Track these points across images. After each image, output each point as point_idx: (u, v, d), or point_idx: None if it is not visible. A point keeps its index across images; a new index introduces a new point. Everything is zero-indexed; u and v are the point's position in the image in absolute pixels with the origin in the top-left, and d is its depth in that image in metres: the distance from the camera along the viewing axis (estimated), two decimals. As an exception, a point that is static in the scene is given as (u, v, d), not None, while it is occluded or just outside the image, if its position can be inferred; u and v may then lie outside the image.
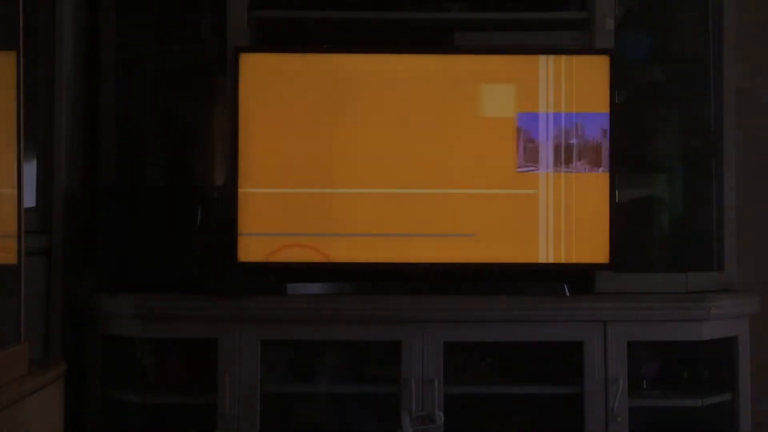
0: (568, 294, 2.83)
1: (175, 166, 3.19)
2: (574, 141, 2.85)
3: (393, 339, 2.76)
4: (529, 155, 2.86)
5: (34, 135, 2.76)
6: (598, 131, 2.86)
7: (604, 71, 2.86)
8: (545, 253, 2.85)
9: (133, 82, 3.09)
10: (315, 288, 2.85)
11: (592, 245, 2.84)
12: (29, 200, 2.72)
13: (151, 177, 3.14)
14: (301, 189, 2.85)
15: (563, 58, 2.87)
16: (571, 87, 2.86)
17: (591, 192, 2.85)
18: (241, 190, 2.83)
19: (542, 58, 2.87)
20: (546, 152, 2.86)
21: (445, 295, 2.82)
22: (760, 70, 3.31)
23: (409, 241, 2.84)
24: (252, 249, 2.83)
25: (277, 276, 2.87)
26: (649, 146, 3.18)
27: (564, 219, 2.85)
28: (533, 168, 2.85)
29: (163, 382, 2.88)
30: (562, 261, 2.85)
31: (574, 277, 2.90)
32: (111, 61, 3.01)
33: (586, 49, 2.96)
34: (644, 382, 2.90)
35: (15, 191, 2.02)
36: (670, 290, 2.92)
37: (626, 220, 2.99)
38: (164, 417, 2.88)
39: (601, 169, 2.85)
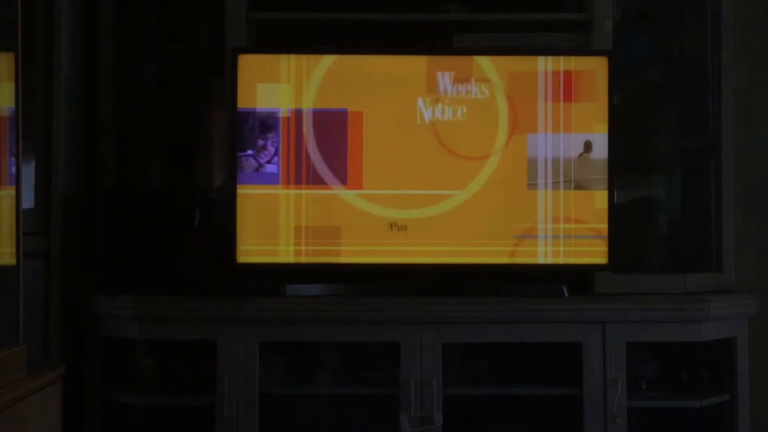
0: (567, 295, 2.83)
1: (173, 168, 3.20)
2: (572, 142, 2.86)
3: (392, 340, 2.76)
4: (530, 156, 2.86)
5: (33, 136, 2.76)
6: (596, 132, 2.86)
7: (603, 72, 2.86)
8: (544, 254, 2.85)
9: (131, 84, 3.09)
10: (314, 289, 2.85)
11: (590, 246, 2.84)
12: (28, 202, 2.72)
13: (150, 178, 3.14)
14: (300, 190, 2.85)
15: (562, 59, 2.87)
16: (570, 88, 2.86)
17: (590, 193, 2.85)
18: (239, 191, 2.84)
19: (541, 59, 2.88)
20: (545, 153, 2.86)
21: (443, 296, 2.82)
22: (759, 71, 3.31)
23: (409, 242, 2.85)
24: (251, 250, 2.83)
25: (276, 277, 2.87)
26: (648, 147, 3.18)
27: (563, 220, 2.85)
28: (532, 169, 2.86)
29: (162, 383, 2.88)
30: (561, 262, 2.85)
31: (573, 278, 2.90)
32: (109, 62, 3.01)
33: (585, 50, 2.96)
34: (643, 383, 2.89)
35: (13, 193, 2.02)
36: (668, 291, 2.92)
37: (625, 221, 2.99)
38: (163, 419, 2.88)
39: (599, 169, 2.85)
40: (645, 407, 2.84)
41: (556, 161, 2.85)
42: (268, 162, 2.85)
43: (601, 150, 2.85)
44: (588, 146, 2.86)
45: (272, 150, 2.85)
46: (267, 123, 2.85)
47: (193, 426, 2.83)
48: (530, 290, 2.85)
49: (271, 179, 2.85)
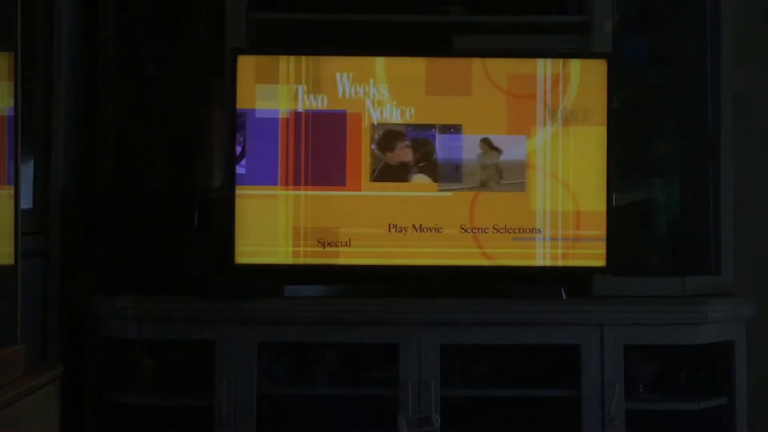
0: (565, 297, 2.83)
1: (173, 168, 3.20)
2: (570, 144, 2.86)
3: (390, 341, 2.76)
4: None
5: (32, 136, 2.76)
6: (594, 134, 2.86)
7: (602, 74, 2.86)
8: (543, 256, 2.85)
9: (131, 84, 3.09)
10: (312, 290, 2.85)
11: (589, 248, 2.84)
12: (26, 202, 2.72)
13: (149, 179, 3.14)
14: (299, 191, 2.85)
15: (561, 61, 2.87)
16: (569, 90, 2.86)
17: (588, 195, 2.85)
18: (238, 192, 2.84)
19: (540, 61, 2.88)
20: (544, 154, 2.86)
21: (442, 298, 2.82)
22: (758, 73, 3.31)
23: (407, 243, 2.85)
24: (249, 251, 2.83)
25: (275, 278, 2.87)
26: (647, 150, 3.18)
27: (561, 222, 2.85)
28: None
29: (160, 384, 2.88)
30: (560, 264, 2.85)
31: (571, 281, 2.90)
32: (109, 62, 3.01)
33: (585, 52, 2.96)
34: (641, 385, 2.89)
35: (12, 192, 2.03)
36: (667, 294, 2.92)
37: (623, 224, 2.99)
38: (161, 419, 2.88)
39: (597, 171, 2.85)
40: (643, 410, 2.84)
41: (555, 162, 2.86)
42: (266, 163, 2.85)
43: (598, 151, 2.85)
44: (584, 147, 2.86)
45: (270, 150, 2.85)
46: (266, 124, 2.85)
47: (192, 426, 2.83)
48: (529, 292, 2.85)
49: (269, 180, 2.85)
